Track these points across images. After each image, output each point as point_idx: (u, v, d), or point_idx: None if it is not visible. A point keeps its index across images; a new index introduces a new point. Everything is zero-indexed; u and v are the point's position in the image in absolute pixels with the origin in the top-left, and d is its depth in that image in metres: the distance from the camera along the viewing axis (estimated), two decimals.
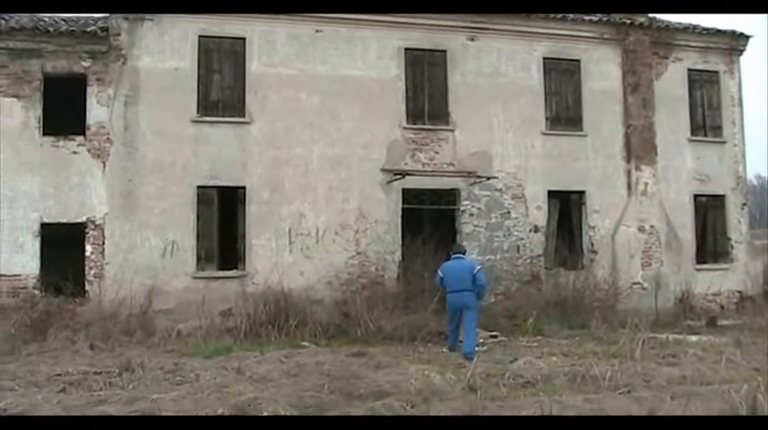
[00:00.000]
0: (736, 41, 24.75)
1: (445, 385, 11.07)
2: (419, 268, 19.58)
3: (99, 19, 20.04)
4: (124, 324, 17.59)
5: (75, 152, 19.09)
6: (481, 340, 16.82)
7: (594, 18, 23.09)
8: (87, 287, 18.77)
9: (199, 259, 19.61)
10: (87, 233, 18.97)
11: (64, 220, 18.92)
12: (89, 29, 19.26)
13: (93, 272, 18.89)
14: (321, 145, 20.57)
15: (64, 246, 18.69)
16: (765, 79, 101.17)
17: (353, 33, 21.01)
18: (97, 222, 19.00)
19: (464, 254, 16.82)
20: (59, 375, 12.44)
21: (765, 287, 24.43)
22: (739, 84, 24.84)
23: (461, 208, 21.51)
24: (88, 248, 18.96)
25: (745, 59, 24.81)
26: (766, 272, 24.88)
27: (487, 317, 18.72)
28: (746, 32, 24.70)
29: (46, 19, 19.71)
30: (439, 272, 16.20)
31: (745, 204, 24.77)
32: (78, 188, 19.05)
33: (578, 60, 23.06)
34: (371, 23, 20.93)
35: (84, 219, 19.00)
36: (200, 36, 19.97)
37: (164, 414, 9.23)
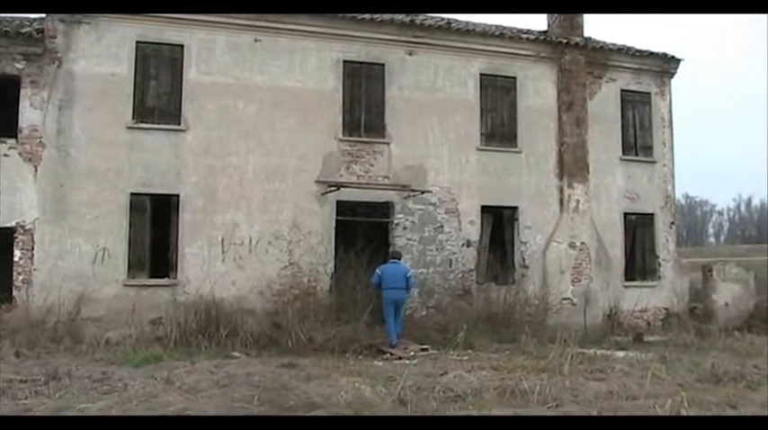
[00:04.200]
0: (668, 64, 25.31)
1: (375, 398, 11.12)
2: (352, 280, 19.68)
3: (35, 20, 19.78)
4: (52, 331, 17.33)
5: (6, 155, 18.68)
6: (412, 353, 16.98)
7: (531, 36, 23.47)
8: (14, 293, 18.37)
9: (130, 267, 19.34)
10: (16, 238, 18.56)
11: None
12: (24, 30, 18.90)
13: (21, 277, 18.47)
14: (256, 155, 20.48)
15: None
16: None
17: (293, 44, 20.97)
18: (27, 227, 18.62)
19: (400, 259, 19.02)
20: None
21: (691, 304, 24.97)
22: (670, 105, 25.36)
23: (395, 221, 21.59)
24: (17, 253, 18.54)
25: (675, 81, 25.40)
26: (692, 289, 25.42)
27: (419, 330, 18.93)
28: (677, 56, 25.32)
29: None
30: (378, 271, 18.38)
31: (673, 223, 25.23)
32: (8, 192, 18.64)
33: (514, 77, 23.32)
34: (311, 35, 20.99)
35: (13, 223, 18.59)
36: (137, 42, 19.75)
37: (160, 414, 9.13)
